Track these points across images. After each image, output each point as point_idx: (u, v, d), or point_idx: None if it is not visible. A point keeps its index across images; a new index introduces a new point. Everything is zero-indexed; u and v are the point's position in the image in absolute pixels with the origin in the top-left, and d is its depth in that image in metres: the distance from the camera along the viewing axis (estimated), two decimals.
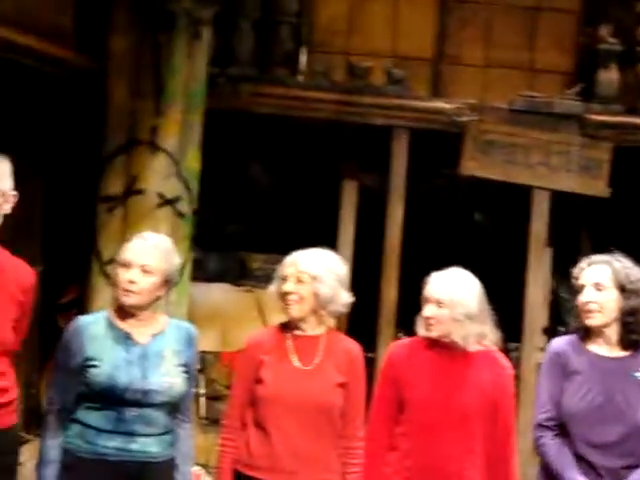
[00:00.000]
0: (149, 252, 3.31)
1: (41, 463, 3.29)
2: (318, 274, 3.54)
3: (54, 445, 3.28)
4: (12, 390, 3.30)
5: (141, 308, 3.34)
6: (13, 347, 3.33)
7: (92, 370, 3.25)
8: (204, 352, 7.31)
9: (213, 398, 7.26)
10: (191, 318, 6.35)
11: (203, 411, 7.08)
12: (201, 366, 7.29)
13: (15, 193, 3.32)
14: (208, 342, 7.31)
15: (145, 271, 3.29)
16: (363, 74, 7.13)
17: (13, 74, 5.80)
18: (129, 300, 3.30)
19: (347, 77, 7.20)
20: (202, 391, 7.15)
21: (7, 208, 3.29)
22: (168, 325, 3.43)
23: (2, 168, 3.29)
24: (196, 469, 3.63)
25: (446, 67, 7.66)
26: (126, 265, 3.29)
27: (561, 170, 7.17)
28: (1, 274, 3.27)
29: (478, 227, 8.02)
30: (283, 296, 3.57)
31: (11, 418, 3.29)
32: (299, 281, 3.54)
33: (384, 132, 7.11)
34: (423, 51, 7.62)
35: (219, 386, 7.36)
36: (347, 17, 7.57)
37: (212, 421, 6.92)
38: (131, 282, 3.27)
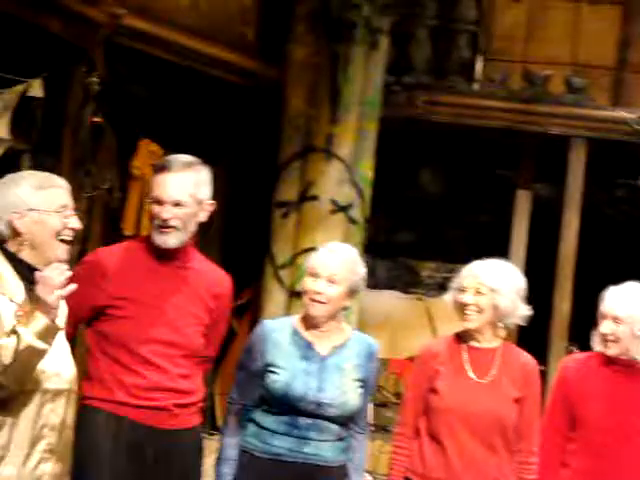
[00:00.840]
0: (336, 262, 3.33)
1: (220, 460, 3.38)
2: (498, 286, 3.49)
3: (233, 444, 3.36)
4: (196, 393, 3.35)
5: (327, 318, 3.36)
6: (204, 352, 3.39)
7: (271, 376, 3.31)
8: None
9: (380, 405, 7.28)
10: (361, 325, 6.40)
11: (370, 418, 7.10)
12: None
13: (212, 202, 3.35)
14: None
15: (331, 281, 3.31)
16: (541, 82, 7.00)
17: (198, 83, 6.02)
18: (315, 310, 3.33)
19: (524, 85, 7.09)
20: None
21: (203, 216, 3.32)
22: (351, 337, 3.42)
23: (200, 177, 3.31)
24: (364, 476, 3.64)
25: (629, 75, 7.41)
26: (313, 275, 3.33)
27: None
28: (194, 280, 3.34)
29: None
30: (461, 307, 3.53)
31: (193, 419, 3.35)
32: (478, 293, 3.50)
33: (561, 141, 6.96)
34: (605, 59, 7.39)
35: (387, 393, 7.37)
36: (526, 24, 7.43)
37: (379, 428, 6.94)
38: (318, 292, 3.30)
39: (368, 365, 3.41)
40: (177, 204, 3.23)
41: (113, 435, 3.17)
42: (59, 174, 3.27)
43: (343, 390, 3.32)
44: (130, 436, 3.19)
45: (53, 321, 2.70)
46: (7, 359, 2.65)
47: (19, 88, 4.98)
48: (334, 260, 3.33)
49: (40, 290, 2.66)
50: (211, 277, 3.41)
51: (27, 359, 2.68)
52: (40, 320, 2.67)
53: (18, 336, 2.65)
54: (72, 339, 3.14)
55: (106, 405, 3.19)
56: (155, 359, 3.23)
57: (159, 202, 3.24)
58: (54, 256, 2.87)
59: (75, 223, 2.91)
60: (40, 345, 2.68)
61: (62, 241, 2.89)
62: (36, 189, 2.87)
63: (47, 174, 3.01)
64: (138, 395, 3.20)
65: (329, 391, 3.30)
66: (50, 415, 2.84)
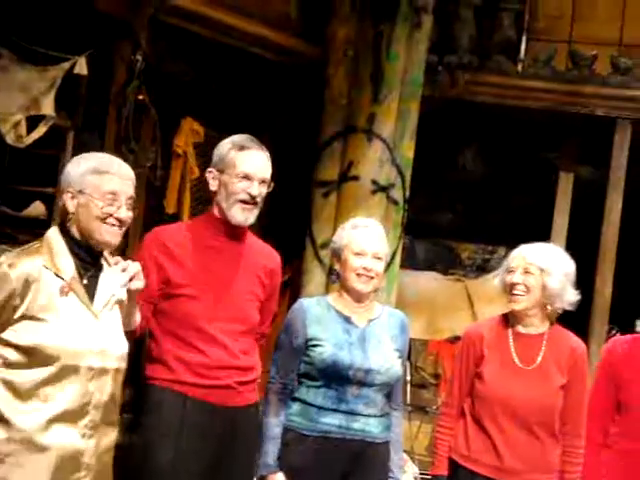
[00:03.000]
0: (377, 239, 3.44)
1: (264, 439, 3.38)
2: (547, 266, 3.47)
3: (276, 423, 3.37)
4: (255, 369, 3.37)
5: (372, 293, 3.43)
6: (260, 328, 3.43)
7: (316, 349, 3.35)
8: (411, 339, 7.34)
9: (419, 386, 7.28)
10: (399, 305, 6.39)
11: (408, 398, 7.13)
12: (408, 353, 7.32)
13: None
14: (415, 330, 7.33)
15: (377, 258, 3.41)
16: (587, 63, 6.91)
17: (240, 61, 6.02)
18: (366, 287, 3.41)
19: (570, 66, 7.02)
20: (408, 378, 7.19)
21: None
22: (382, 311, 3.51)
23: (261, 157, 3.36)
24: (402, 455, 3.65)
25: None
26: (359, 253, 3.40)
27: None
28: (250, 257, 3.37)
29: None
30: (509, 288, 3.51)
31: (253, 395, 3.37)
32: (527, 272, 3.48)
33: (606, 123, 6.88)
34: None
35: (425, 374, 7.38)
36: (572, 3, 7.35)
37: (417, 408, 6.95)
38: (368, 269, 3.38)
39: (402, 336, 3.50)
40: (263, 181, 3.28)
41: (178, 414, 3.19)
42: (102, 152, 3.28)
43: (386, 357, 3.39)
44: (195, 415, 3.21)
45: None
46: None
47: (64, 65, 5.01)
48: (375, 237, 3.44)
49: None
50: (264, 253, 3.45)
51: None
52: None
53: None
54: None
55: (171, 385, 3.20)
56: (220, 336, 3.25)
57: (247, 178, 3.25)
58: (101, 238, 2.89)
59: (122, 213, 2.89)
60: None
61: (108, 224, 2.90)
62: (91, 172, 2.88)
63: (112, 159, 3.00)
64: (202, 374, 3.22)
65: (374, 358, 3.36)
66: (95, 393, 2.85)
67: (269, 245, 3.55)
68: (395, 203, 6.40)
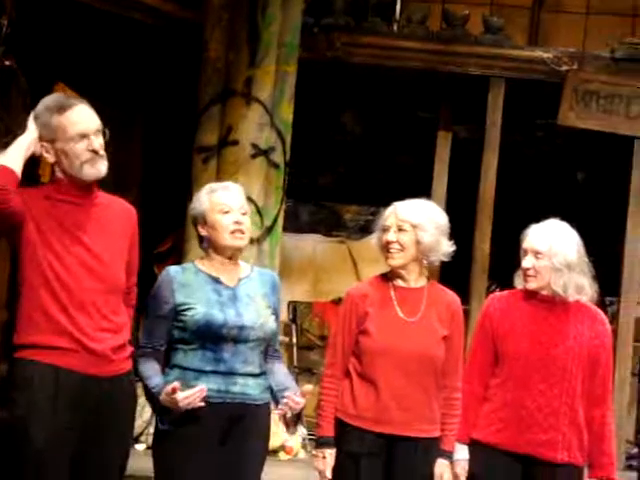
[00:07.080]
0: (240, 196, 3.47)
1: (150, 387, 3.34)
2: (419, 222, 3.54)
3: (157, 376, 3.34)
4: (125, 329, 3.27)
5: (241, 251, 3.46)
6: (129, 282, 3.33)
7: (188, 312, 3.34)
8: (296, 302, 7.40)
9: (305, 348, 7.34)
10: (283, 268, 6.42)
11: (295, 360, 7.17)
12: (293, 316, 7.37)
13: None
14: (300, 292, 7.39)
15: (243, 213, 3.44)
16: (460, 22, 7.01)
17: (113, 25, 5.88)
18: (241, 242, 3.41)
19: (443, 26, 7.10)
20: (294, 341, 7.23)
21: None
22: (251, 271, 3.53)
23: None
24: (306, 387, 3.66)
25: (546, 15, 7.48)
26: (227, 212, 3.40)
27: None
28: (107, 215, 3.27)
29: (576, 180, 7.88)
30: (385, 246, 3.57)
31: (127, 364, 3.26)
32: (400, 230, 3.55)
33: (480, 82, 7.00)
34: None
35: (311, 336, 7.44)
36: None
37: (304, 370, 7.00)
38: (239, 223, 3.39)
39: (274, 295, 3.51)
40: (98, 130, 3.17)
41: (51, 389, 3.09)
42: None
43: (259, 314, 3.41)
44: (68, 387, 3.11)
45: None
46: None
47: None
48: (237, 194, 3.47)
49: None
50: (120, 210, 3.35)
51: None
52: None
53: None
54: None
55: (41, 356, 3.10)
56: (88, 297, 3.14)
57: (83, 136, 3.13)
58: None
59: None
60: None
61: None
62: None
63: None
64: (74, 338, 3.11)
65: (247, 315, 3.37)
66: None
67: (123, 200, 3.45)
68: (276, 166, 6.39)
